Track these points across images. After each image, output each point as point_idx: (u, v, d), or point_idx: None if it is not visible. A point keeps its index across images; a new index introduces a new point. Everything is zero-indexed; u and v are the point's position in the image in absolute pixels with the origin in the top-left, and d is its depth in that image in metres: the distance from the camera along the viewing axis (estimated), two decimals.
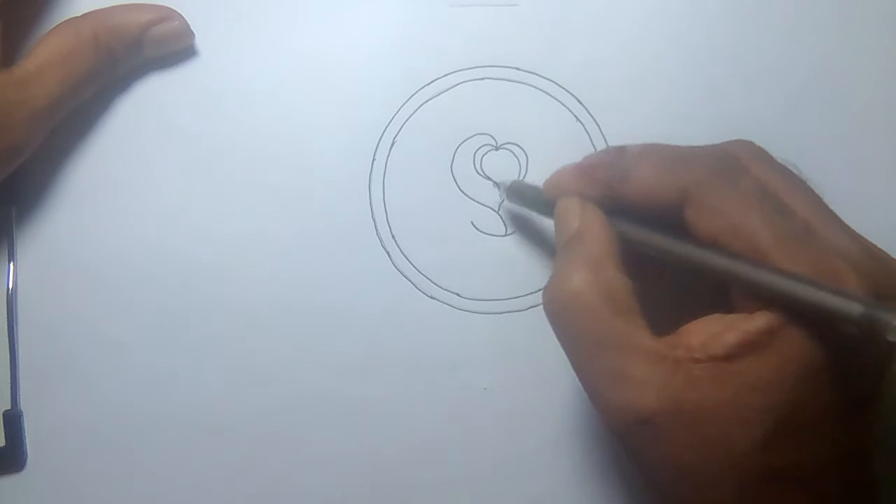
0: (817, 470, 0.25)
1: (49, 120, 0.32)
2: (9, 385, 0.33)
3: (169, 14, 0.33)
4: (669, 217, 0.27)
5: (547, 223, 0.34)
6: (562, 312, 0.27)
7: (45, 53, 0.31)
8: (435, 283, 0.34)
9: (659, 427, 0.25)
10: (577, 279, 0.26)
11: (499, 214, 0.34)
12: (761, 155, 0.28)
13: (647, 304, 0.26)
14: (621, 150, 0.29)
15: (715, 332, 0.25)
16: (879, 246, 0.27)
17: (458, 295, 0.34)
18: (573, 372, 0.27)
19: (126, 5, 0.33)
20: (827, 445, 0.25)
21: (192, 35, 0.34)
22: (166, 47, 0.34)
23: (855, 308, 0.23)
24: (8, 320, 0.33)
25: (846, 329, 0.24)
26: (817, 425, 0.25)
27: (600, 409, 0.26)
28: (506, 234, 0.34)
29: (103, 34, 0.32)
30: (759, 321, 0.24)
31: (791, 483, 0.25)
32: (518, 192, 0.32)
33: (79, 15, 0.33)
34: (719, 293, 0.27)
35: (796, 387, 0.24)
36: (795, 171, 0.28)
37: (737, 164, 0.27)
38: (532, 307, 0.33)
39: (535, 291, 0.34)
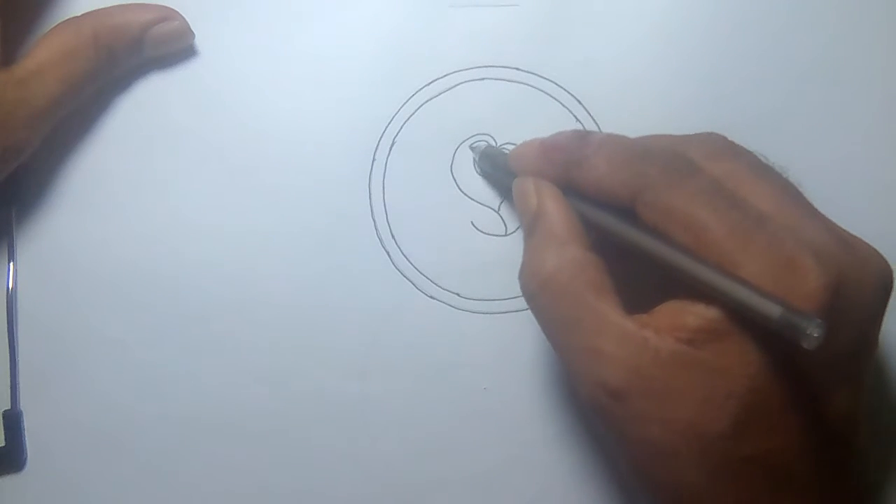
0: (789, 458, 0.25)
1: (49, 119, 0.32)
2: (9, 385, 0.33)
3: (169, 14, 0.33)
4: (621, 207, 0.27)
5: None
6: (537, 294, 0.28)
7: (45, 53, 0.31)
8: (435, 283, 0.34)
9: (629, 402, 0.25)
10: (549, 261, 0.27)
11: (499, 214, 0.34)
12: (725, 149, 0.28)
13: (622, 282, 0.27)
14: (584, 137, 0.29)
15: (680, 314, 0.25)
16: (876, 243, 0.27)
17: (458, 295, 0.34)
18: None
19: (126, 5, 0.33)
20: (797, 433, 0.25)
21: (192, 35, 0.34)
22: (166, 47, 0.34)
23: (774, 310, 0.23)
24: (8, 320, 0.33)
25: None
26: (785, 413, 0.25)
27: (575, 386, 0.27)
28: (506, 234, 0.34)
29: (103, 34, 0.32)
30: (716, 310, 0.25)
31: (762, 471, 0.25)
32: (489, 158, 0.33)
33: (79, 15, 0.33)
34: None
35: (758, 375, 0.24)
36: (765, 161, 0.28)
37: (690, 163, 0.27)
38: None
39: None
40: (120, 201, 0.34)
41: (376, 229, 0.34)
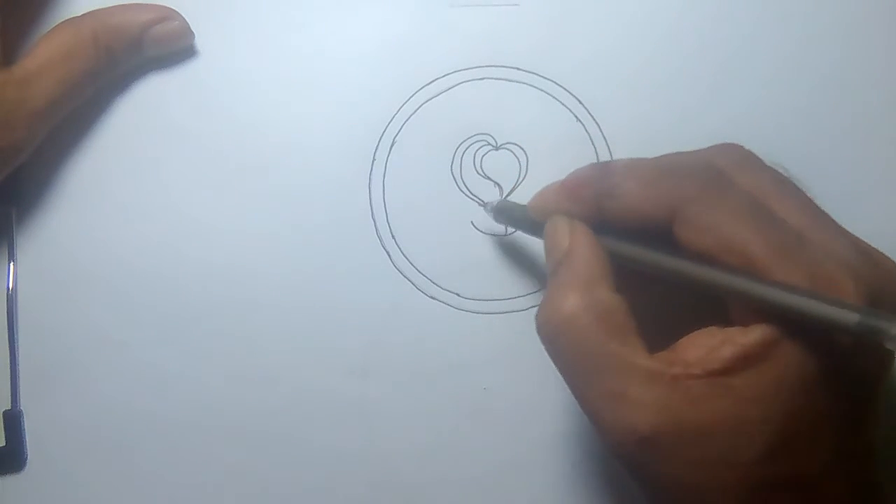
0: (820, 477, 0.25)
1: (49, 119, 0.32)
2: (9, 385, 0.33)
3: (169, 14, 0.33)
4: (658, 232, 0.27)
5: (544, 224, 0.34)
6: (556, 336, 0.27)
7: (45, 53, 0.31)
8: (435, 283, 0.34)
9: (660, 447, 0.24)
10: (570, 302, 0.26)
11: None
12: (748, 161, 0.28)
13: (641, 319, 0.26)
14: (606, 167, 0.28)
15: (711, 346, 0.25)
16: (881, 248, 0.27)
17: (458, 295, 0.34)
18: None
19: (126, 5, 0.33)
20: (828, 452, 0.25)
21: (192, 35, 0.34)
22: (166, 47, 0.34)
23: (851, 318, 0.23)
24: (8, 320, 0.33)
25: (842, 338, 0.23)
26: (817, 434, 0.25)
27: (600, 432, 0.26)
28: (506, 234, 0.34)
29: (103, 34, 0.32)
30: (754, 334, 0.24)
31: (795, 492, 0.25)
32: (505, 213, 0.32)
33: (79, 15, 0.33)
34: (713, 305, 0.27)
35: (795, 397, 0.24)
36: (784, 174, 0.27)
37: (722, 176, 0.26)
38: (532, 307, 0.33)
39: (536, 291, 0.34)
40: (120, 201, 0.34)
41: (376, 229, 0.34)
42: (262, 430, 0.33)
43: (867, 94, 0.34)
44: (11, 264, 0.33)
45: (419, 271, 0.34)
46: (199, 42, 0.34)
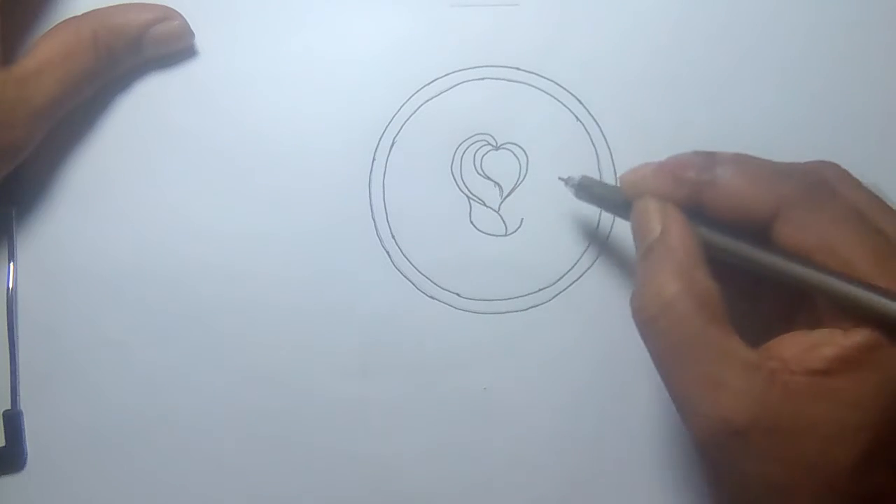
0: None
1: (48, 119, 0.32)
2: (9, 385, 0.33)
3: (169, 14, 0.33)
4: (752, 228, 0.27)
5: (544, 224, 0.34)
6: (653, 321, 0.26)
7: (45, 52, 0.31)
8: (435, 284, 0.34)
9: (753, 440, 0.24)
10: (670, 287, 0.26)
11: (499, 214, 0.34)
12: (848, 177, 0.28)
13: (736, 314, 0.26)
14: (711, 156, 0.28)
15: (810, 345, 0.25)
16: None
17: (458, 295, 0.34)
18: (658, 376, 0.26)
19: (126, 5, 0.33)
20: None
21: (192, 35, 0.34)
22: (166, 47, 0.34)
23: None
24: (8, 320, 0.33)
25: None
26: None
27: (690, 419, 0.25)
28: (506, 234, 0.34)
29: (103, 33, 0.32)
30: (858, 337, 0.24)
31: None
32: (588, 189, 0.31)
33: (79, 15, 0.32)
34: (798, 308, 0.27)
35: (894, 405, 0.24)
36: (879, 194, 0.28)
37: (826, 184, 0.26)
38: (532, 307, 0.33)
39: (536, 291, 0.34)
40: (120, 201, 0.34)
41: (376, 229, 0.34)
42: (261, 431, 0.33)
43: (869, 95, 0.34)
44: (11, 264, 0.33)
45: (419, 271, 0.34)
46: (199, 42, 0.34)
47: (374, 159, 0.34)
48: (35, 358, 0.33)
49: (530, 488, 0.33)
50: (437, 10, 0.35)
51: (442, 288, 0.34)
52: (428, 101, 0.34)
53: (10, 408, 0.33)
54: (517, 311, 0.33)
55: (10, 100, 0.30)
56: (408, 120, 0.34)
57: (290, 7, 0.35)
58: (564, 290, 0.34)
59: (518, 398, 0.33)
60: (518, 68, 0.35)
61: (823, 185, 0.26)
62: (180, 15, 0.33)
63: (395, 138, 0.34)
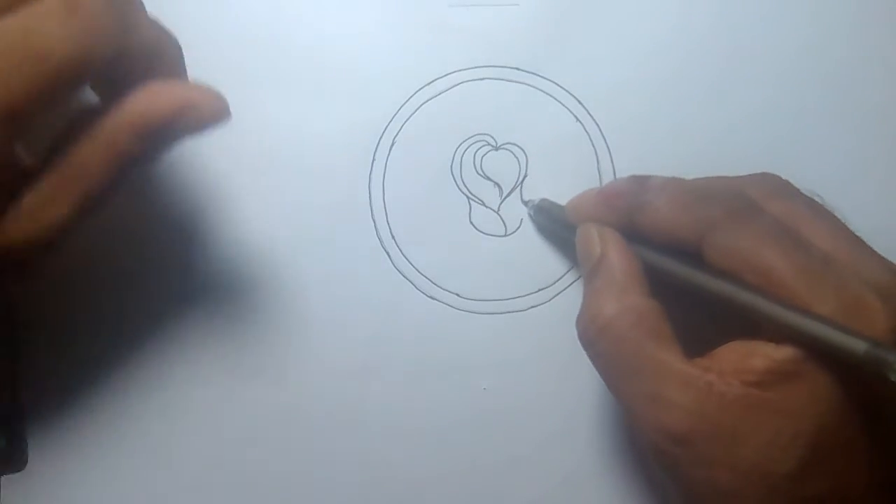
0: (855, 496, 0.25)
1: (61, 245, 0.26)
2: (9, 385, 0.33)
3: (199, 97, 0.26)
4: (686, 249, 0.27)
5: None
6: (596, 340, 0.28)
7: (56, 177, 0.25)
8: (435, 284, 0.34)
9: (695, 447, 0.25)
10: (608, 308, 0.27)
11: (499, 214, 0.34)
12: (782, 189, 0.28)
13: (680, 325, 0.27)
14: (643, 181, 0.29)
15: (744, 356, 0.25)
16: (880, 248, 0.27)
17: (458, 295, 0.34)
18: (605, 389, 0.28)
19: (149, 90, 0.26)
20: (864, 471, 0.25)
21: (228, 115, 0.27)
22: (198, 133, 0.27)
23: (859, 346, 0.23)
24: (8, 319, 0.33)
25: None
26: (852, 451, 0.25)
27: (637, 430, 0.27)
28: (506, 235, 0.34)
29: (122, 141, 0.25)
30: (787, 351, 0.25)
31: None
32: (545, 212, 0.33)
33: (93, 104, 0.26)
34: (739, 318, 0.27)
35: (828, 413, 0.24)
36: (819, 201, 0.28)
37: (752, 203, 0.27)
38: (532, 307, 0.33)
39: (536, 291, 0.34)
40: (119, 201, 0.34)
41: (376, 229, 0.34)
42: (261, 431, 0.33)
43: (869, 95, 0.34)
44: None
45: (419, 271, 0.34)
46: (199, 42, 0.34)
47: (373, 159, 0.34)
48: (35, 358, 0.33)
49: (530, 488, 0.33)
50: (437, 10, 0.35)
51: (441, 288, 0.34)
52: (428, 101, 0.34)
53: (9, 408, 0.33)
54: (517, 312, 0.33)
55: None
56: (408, 120, 0.34)
57: (289, 7, 0.35)
58: (564, 290, 0.34)
59: (518, 398, 0.33)
60: (518, 68, 0.35)
61: (746, 203, 0.27)
62: (213, 93, 0.27)
63: (394, 138, 0.34)
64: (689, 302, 0.27)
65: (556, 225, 0.33)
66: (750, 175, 0.29)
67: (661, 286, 0.28)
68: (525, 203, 0.34)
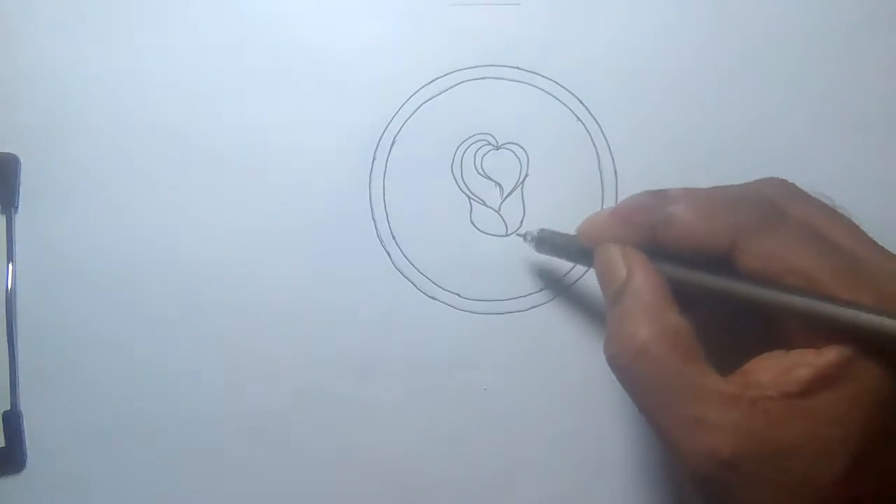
0: None
1: None
2: (8, 385, 0.33)
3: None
4: (713, 259, 0.27)
5: (545, 224, 0.34)
6: (629, 366, 0.26)
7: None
8: (435, 284, 0.33)
9: (740, 470, 0.25)
10: (641, 332, 0.26)
11: (499, 214, 0.34)
12: (796, 193, 0.28)
13: (707, 343, 0.26)
14: (660, 195, 0.28)
15: (783, 368, 0.25)
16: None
17: (458, 295, 0.33)
18: (640, 412, 0.27)
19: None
20: None
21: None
22: None
23: None
24: (7, 320, 0.33)
25: None
26: None
27: (679, 458, 0.26)
28: (506, 235, 0.34)
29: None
30: (830, 355, 0.24)
31: None
32: (548, 242, 0.32)
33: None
34: (768, 330, 0.27)
35: (873, 415, 0.24)
36: (830, 203, 0.28)
37: (777, 206, 0.27)
38: (533, 307, 0.33)
39: (536, 292, 0.34)
40: (119, 202, 0.34)
41: (376, 229, 0.34)
42: (262, 432, 0.33)
43: (870, 95, 0.34)
44: (10, 264, 0.33)
45: (420, 272, 0.34)
46: (198, 41, 0.34)
47: (374, 159, 0.34)
48: (34, 358, 0.33)
49: (530, 488, 0.33)
50: (437, 9, 0.35)
51: (442, 288, 0.34)
52: (428, 100, 0.34)
53: (9, 408, 0.33)
54: (518, 312, 0.33)
55: None
56: (408, 119, 0.34)
57: (289, 7, 0.35)
58: (565, 290, 0.34)
59: (518, 398, 0.33)
60: (518, 68, 0.34)
61: (774, 207, 0.27)
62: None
63: (395, 138, 0.34)
64: (715, 317, 0.27)
65: (563, 254, 0.31)
66: (760, 180, 0.29)
67: (687, 305, 0.27)
68: (523, 237, 0.32)
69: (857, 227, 0.27)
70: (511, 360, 0.33)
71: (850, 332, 0.24)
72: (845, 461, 0.24)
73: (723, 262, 0.27)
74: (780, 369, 0.25)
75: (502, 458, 0.33)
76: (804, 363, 0.25)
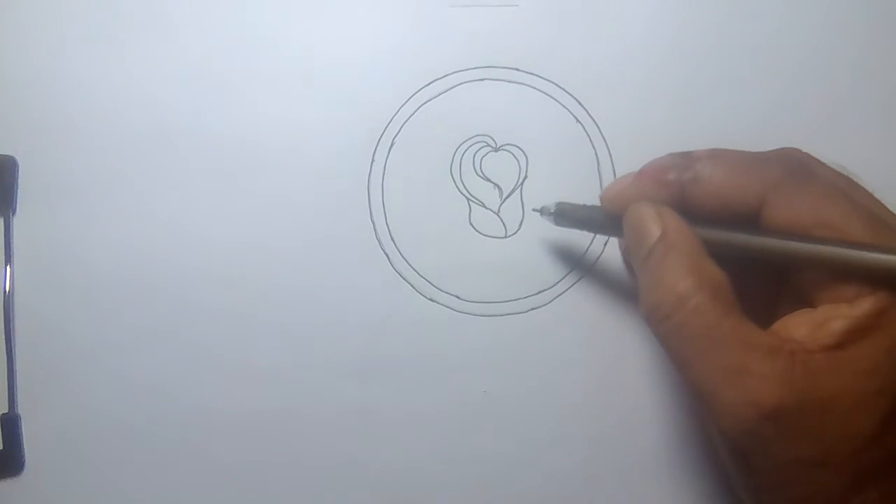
0: None
1: None
2: (6, 389, 0.33)
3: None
4: (739, 217, 0.27)
5: (544, 226, 0.34)
6: (669, 317, 0.26)
7: None
8: (434, 286, 0.33)
9: (782, 421, 0.25)
10: (683, 283, 0.26)
11: (499, 216, 0.34)
12: (812, 159, 0.28)
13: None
14: (688, 155, 0.28)
15: (817, 322, 0.25)
16: None
17: (457, 297, 0.33)
18: (675, 374, 0.27)
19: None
20: None
21: None
22: None
23: None
24: (5, 323, 0.33)
25: None
26: None
27: (717, 410, 0.25)
28: (506, 236, 0.34)
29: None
30: (865, 306, 0.25)
31: None
32: (568, 215, 0.31)
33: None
34: (790, 291, 0.27)
35: None
36: (845, 173, 0.28)
37: (804, 165, 0.27)
38: (532, 309, 0.33)
39: (535, 294, 0.33)
40: (118, 204, 0.34)
41: (375, 231, 0.34)
42: (261, 434, 0.33)
43: (870, 95, 0.34)
44: (8, 267, 0.33)
45: (418, 273, 0.33)
46: (197, 42, 0.34)
47: (373, 160, 0.34)
48: (33, 361, 0.33)
49: (530, 491, 0.33)
50: (437, 10, 0.35)
51: (441, 290, 0.33)
52: (427, 101, 0.34)
53: (7, 411, 0.33)
54: (517, 314, 0.33)
55: None
56: (407, 121, 0.34)
57: (289, 7, 0.35)
58: (564, 292, 0.33)
59: (518, 401, 0.33)
60: (518, 69, 0.34)
61: (802, 165, 0.27)
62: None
63: (394, 139, 0.34)
64: (744, 277, 0.27)
65: (586, 224, 0.31)
66: (781, 149, 0.29)
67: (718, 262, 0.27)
68: (539, 211, 0.32)
69: (872, 196, 0.28)
70: (510, 362, 0.33)
71: (885, 282, 0.25)
72: (883, 411, 0.24)
73: (748, 220, 0.27)
74: (813, 324, 0.25)
75: (501, 461, 0.33)
76: (838, 315, 0.25)
